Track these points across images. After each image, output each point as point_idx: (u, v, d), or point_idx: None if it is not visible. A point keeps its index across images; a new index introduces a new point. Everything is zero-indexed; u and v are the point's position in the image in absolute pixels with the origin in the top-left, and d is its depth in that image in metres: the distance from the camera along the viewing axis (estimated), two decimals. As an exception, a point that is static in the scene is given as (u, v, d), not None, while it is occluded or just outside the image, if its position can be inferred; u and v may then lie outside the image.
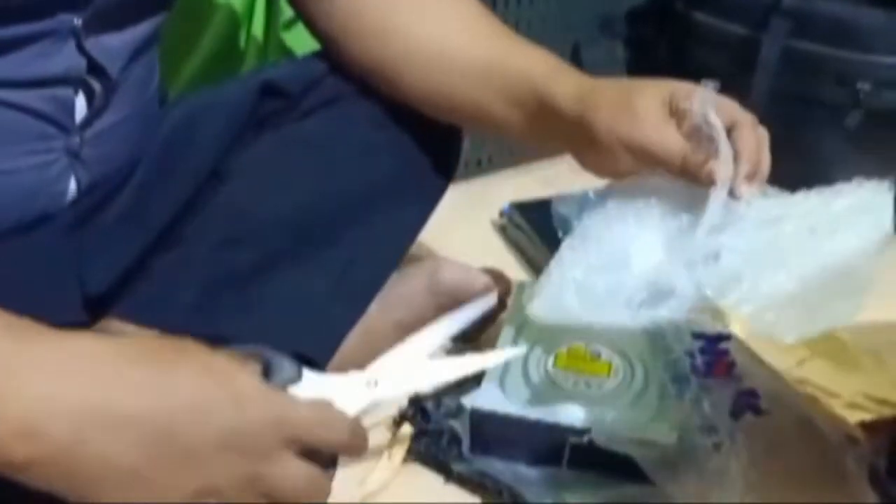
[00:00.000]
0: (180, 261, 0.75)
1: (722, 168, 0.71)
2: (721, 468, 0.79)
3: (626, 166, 0.75)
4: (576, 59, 1.74)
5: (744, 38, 1.48)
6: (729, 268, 0.70)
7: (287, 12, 1.13)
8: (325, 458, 0.54)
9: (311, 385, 0.56)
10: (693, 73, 1.80)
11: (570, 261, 0.73)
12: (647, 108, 0.74)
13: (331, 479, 0.55)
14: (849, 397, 0.95)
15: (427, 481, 0.86)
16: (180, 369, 0.50)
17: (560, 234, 0.79)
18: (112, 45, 0.71)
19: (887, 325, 1.11)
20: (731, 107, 0.75)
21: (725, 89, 1.64)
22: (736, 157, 0.72)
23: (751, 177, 0.73)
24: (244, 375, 0.52)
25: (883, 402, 0.94)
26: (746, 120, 0.75)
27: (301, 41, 1.11)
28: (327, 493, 0.54)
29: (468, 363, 0.66)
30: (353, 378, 0.60)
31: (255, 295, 0.75)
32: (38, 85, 0.67)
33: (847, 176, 1.47)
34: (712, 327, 0.90)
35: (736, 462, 0.79)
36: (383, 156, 0.84)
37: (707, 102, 0.73)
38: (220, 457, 0.49)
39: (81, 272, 0.76)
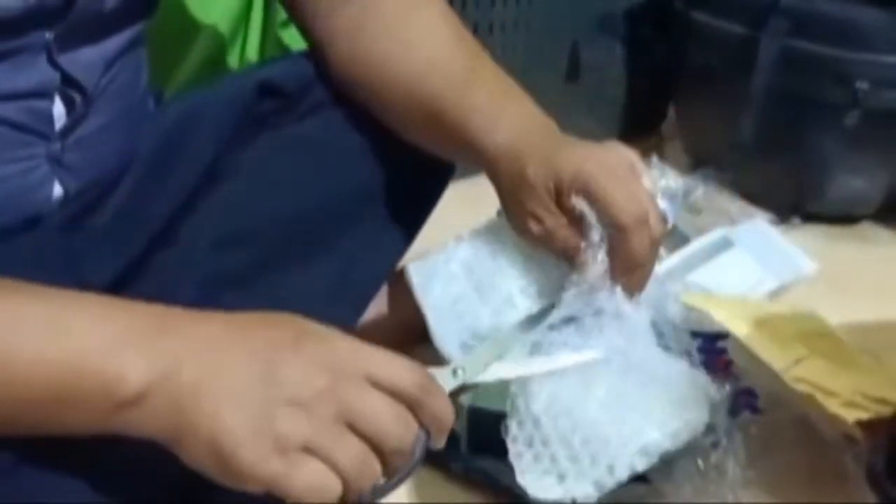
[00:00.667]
0: (178, 260, 0.75)
1: (589, 269, 0.71)
2: (719, 467, 0.79)
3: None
4: (574, 57, 1.74)
5: (742, 37, 1.48)
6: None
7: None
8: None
9: None
10: (692, 71, 1.82)
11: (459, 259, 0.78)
12: (538, 183, 0.74)
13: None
14: (847, 396, 0.95)
15: (425, 480, 0.86)
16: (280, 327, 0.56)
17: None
18: (86, 57, 0.70)
19: (885, 324, 1.11)
20: (633, 204, 0.72)
21: (724, 89, 1.64)
22: (612, 261, 0.72)
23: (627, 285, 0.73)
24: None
25: (881, 400, 0.94)
26: (638, 224, 0.72)
27: (298, 39, 1.11)
28: (412, 440, 0.55)
29: (551, 362, 0.67)
30: (440, 371, 0.62)
31: (253, 295, 0.75)
32: (12, 98, 0.67)
33: (845, 175, 1.48)
34: (710, 326, 0.90)
35: (733, 461, 0.79)
36: (382, 156, 0.84)
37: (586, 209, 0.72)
38: (310, 376, 0.53)
39: (78, 271, 0.76)
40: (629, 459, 0.69)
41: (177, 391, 0.52)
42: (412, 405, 0.55)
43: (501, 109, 0.78)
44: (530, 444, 0.71)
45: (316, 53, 0.83)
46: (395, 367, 0.55)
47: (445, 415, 0.56)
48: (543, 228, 0.74)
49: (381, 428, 0.53)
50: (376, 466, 0.54)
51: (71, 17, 0.67)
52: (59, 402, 0.52)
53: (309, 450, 0.52)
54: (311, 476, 0.51)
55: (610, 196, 0.71)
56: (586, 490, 0.69)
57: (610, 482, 0.70)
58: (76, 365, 0.52)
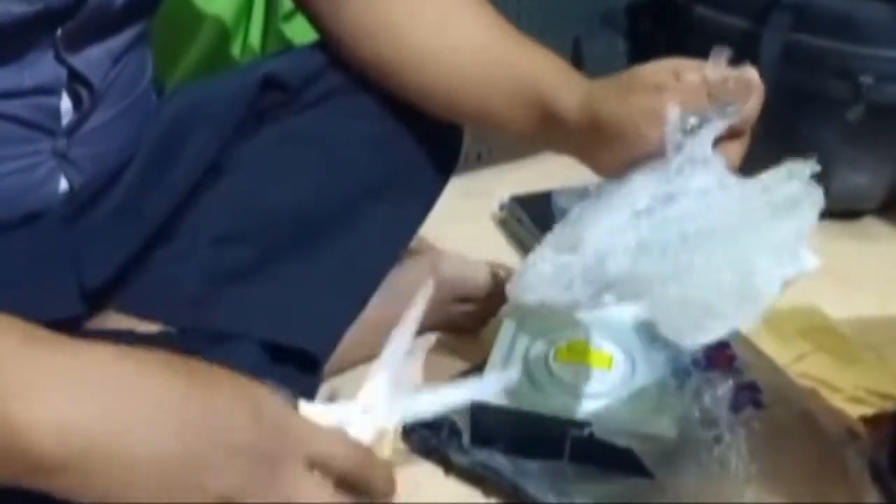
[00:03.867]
0: (180, 253, 0.75)
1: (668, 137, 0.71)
2: (721, 462, 0.79)
3: (635, 148, 0.72)
4: (577, 52, 1.74)
5: (744, 31, 1.48)
6: (644, 271, 0.67)
7: (286, 4, 1.13)
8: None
9: (309, 414, 0.55)
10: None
11: (541, 246, 0.73)
12: (645, 75, 0.74)
13: None
14: (850, 391, 0.95)
15: (427, 474, 0.86)
16: (207, 382, 0.50)
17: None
18: (93, 54, 0.70)
19: (888, 320, 1.11)
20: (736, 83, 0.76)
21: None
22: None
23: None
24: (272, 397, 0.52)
25: (884, 396, 0.94)
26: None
27: (300, 32, 1.11)
28: None
29: (460, 393, 0.64)
30: (349, 407, 0.58)
31: (255, 289, 0.74)
32: (19, 95, 0.66)
33: (848, 170, 1.48)
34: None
35: (736, 456, 0.79)
36: (384, 149, 0.84)
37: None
38: (241, 465, 0.49)
39: (79, 264, 0.76)
40: None
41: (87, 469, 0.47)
42: (351, 481, 0.53)
43: (566, 69, 0.80)
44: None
45: (328, 46, 0.83)
46: (329, 446, 0.52)
47: (386, 487, 0.55)
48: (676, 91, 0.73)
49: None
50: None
51: (80, 15, 0.66)
52: None
53: None
54: None
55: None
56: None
57: None
58: None
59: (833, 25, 1.40)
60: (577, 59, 1.74)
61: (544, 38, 1.74)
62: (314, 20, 0.84)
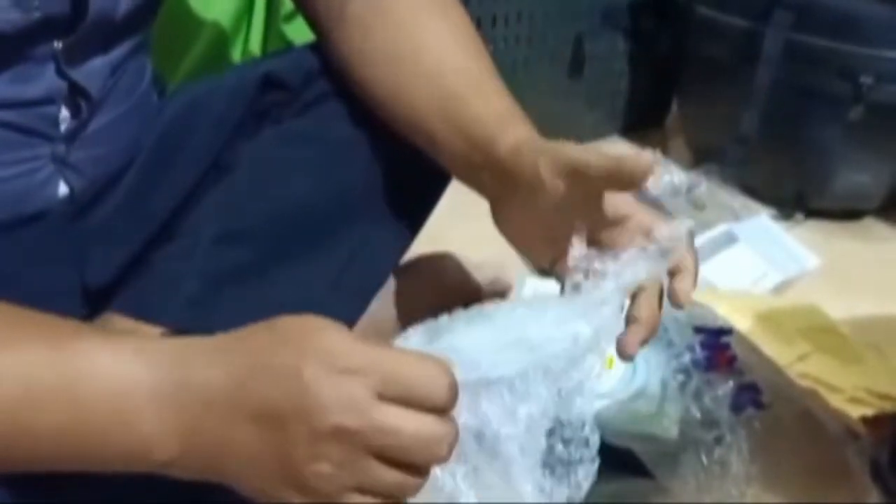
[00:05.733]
0: (181, 255, 0.75)
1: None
2: (722, 462, 0.79)
3: (547, 208, 0.68)
4: (578, 50, 1.74)
5: (746, 30, 1.48)
6: None
7: (287, 5, 1.13)
8: None
9: None
10: (695, 65, 1.81)
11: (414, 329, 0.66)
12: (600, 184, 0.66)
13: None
14: (850, 392, 0.95)
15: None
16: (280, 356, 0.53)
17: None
18: (93, 66, 0.70)
19: (888, 320, 1.11)
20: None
21: (728, 82, 1.64)
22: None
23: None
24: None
25: (885, 396, 0.94)
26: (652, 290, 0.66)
27: (301, 33, 1.11)
28: (445, 445, 0.52)
29: None
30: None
31: (255, 291, 0.74)
32: (19, 106, 0.66)
33: (849, 170, 1.48)
34: (714, 321, 0.90)
35: (737, 456, 0.79)
36: (385, 149, 0.84)
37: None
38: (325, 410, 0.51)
39: (81, 265, 0.76)
40: None
41: (202, 458, 0.53)
42: (436, 409, 0.52)
43: (513, 115, 0.75)
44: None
45: (322, 47, 0.83)
46: (405, 379, 0.52)
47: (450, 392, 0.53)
48: (586, 157, 0.65)
49: (405, 447, 0.51)
50: (413, 481, 0.53)
51: (81, 28, 0.66)
52: (85, 463, 0.54)
53: (347, 488, 0.52)
54: None
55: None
56: None
57: None
58: (98, 440, 0.53)
59: (834, 25, 1.40)
60: (579, 59, 1.74)
61: (546, 37, 1.74)
62: (309, 22, 0.85)
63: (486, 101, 0.75)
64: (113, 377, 0.53)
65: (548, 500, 0.57)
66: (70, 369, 0.53)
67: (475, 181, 0.76)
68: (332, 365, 0.51)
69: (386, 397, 0.51)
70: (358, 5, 0.79)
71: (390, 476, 0.52)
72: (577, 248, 0.64)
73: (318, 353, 0.52)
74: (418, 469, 0.52)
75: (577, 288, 0.64)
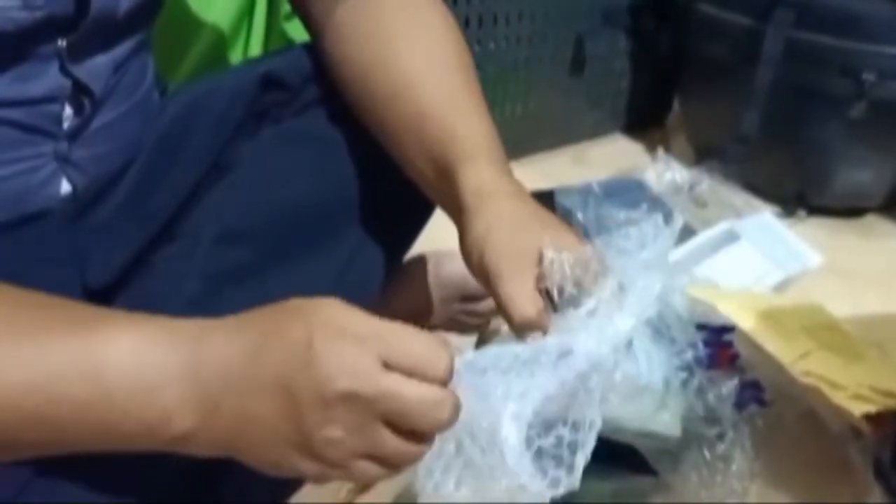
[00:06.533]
0: (181, 254, 0.75)
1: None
2: (725, 459, 0.79)
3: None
4: (579, 50, 1.74)
5: (747, 28, 1.48)
6: None
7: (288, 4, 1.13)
8: None
9: None
10: (697, 64, 1.81)
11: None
12: (521, 247, 0.67)
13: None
14: (853, 389, 0.95)
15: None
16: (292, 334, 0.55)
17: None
18: (97, 64, 0.70)
19: (891, 317, 1.11)
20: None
21: (729, 81, 1.64)
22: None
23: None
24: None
25: (888, 394, 0.94)
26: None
27: (303, 32, 1.11)
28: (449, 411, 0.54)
29: None
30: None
31: (256, 291, 0.74)
32: (22, 104, 0.66)
33: (851, 167, 1.48)
34: (716, 318, 0.90)
35: (740, 453, 0.79)
36: (385, 150, 0.84)
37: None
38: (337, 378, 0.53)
39: (82, 265, 0.76)
40: None
41: (220, 431, 0.55)
42: (436, 379, 0.54)
43: (482, 144, 0.74)
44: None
45: (316, 46, 0.83)
46: (409, 349, 0.55)
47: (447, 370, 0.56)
48: (505, 293, 0.66)
49: (411, 412, 0.54)
50: (417, 448, 0.55)
51: (83, 26, 0.67)
52: (104, 440, 0.55)
53: (356, 454, 0.54)
54: (365, 471, 0.55)
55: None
56: None
57: None
58: (119, 417, 0.54)
59: (836, 22, 1.40)
60: (580, 58, 1.74)
61: (546, 37, 1.74)
62: (303, 21, 0.85)
63: (460, 122, 0.75)
64: (134, 354, 0.54)
65: (544, 482, 0.58)
66: (92, 348, 0.55)
67: (440, 203, 0.77)
68: (339, 334, 0.54)
69: (391, 364, 0.53)
70: (346, 9, 0.79)
71: (396, 443, 0.54)
72: (550, 254, 0.64)
73: (325, 325, 0.55)
74: (422, 436, 0.55)
75: (571, 302, 0.64)
